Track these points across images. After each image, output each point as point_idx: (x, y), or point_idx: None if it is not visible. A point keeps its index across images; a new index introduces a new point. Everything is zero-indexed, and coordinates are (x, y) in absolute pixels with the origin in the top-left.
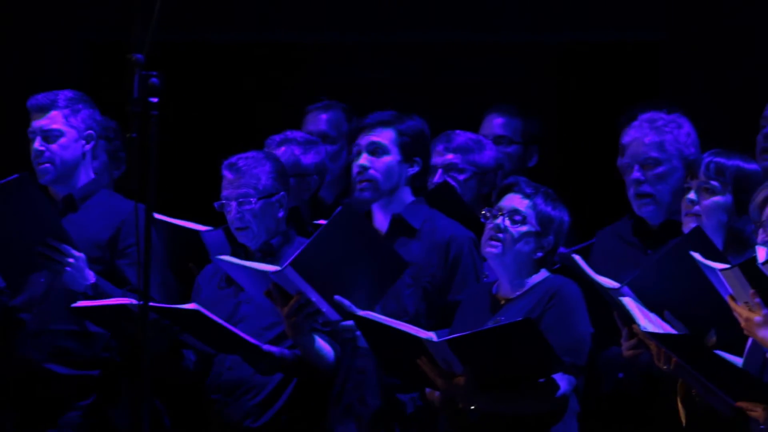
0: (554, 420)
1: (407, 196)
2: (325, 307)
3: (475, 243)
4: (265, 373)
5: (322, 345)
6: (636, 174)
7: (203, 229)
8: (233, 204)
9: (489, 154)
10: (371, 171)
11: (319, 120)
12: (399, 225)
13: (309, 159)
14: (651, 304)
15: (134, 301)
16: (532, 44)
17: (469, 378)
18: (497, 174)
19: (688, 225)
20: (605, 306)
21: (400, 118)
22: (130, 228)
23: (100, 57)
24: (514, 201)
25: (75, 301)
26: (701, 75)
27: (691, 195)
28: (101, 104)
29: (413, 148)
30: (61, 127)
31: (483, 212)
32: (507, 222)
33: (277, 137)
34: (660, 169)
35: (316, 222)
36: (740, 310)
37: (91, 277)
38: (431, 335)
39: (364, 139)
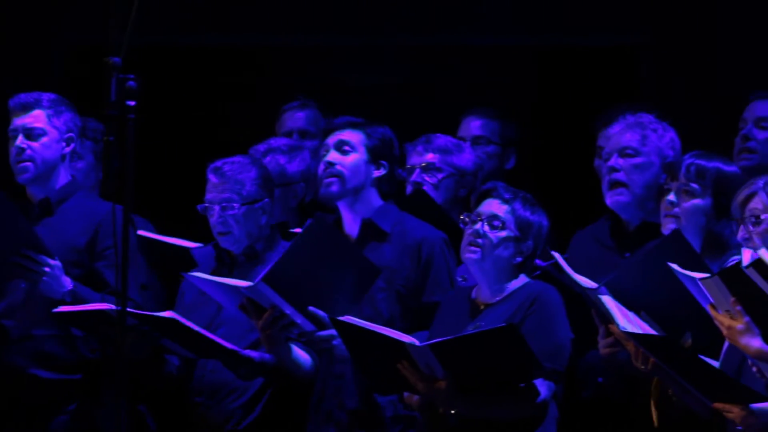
0: (534, 426)
1: (375, 199)
2: (299, 318)
3: (446, 243)
4: (246, 378)
5: (300, 354)
6: (612, 161)
7: (193, 246)
8: (216, 208)
9: (468, 158)
10: (338, 166)
11: (297, 118)
12: (369, 229)
13: (294, 167)
14: (628, 305)
15: (113, 306)
16: (511, 48)
17: (450, 383)
18: (475, 178)
19: (667, 227)
20: (584, 312)
21: (370, 124)
22: (108, 229)
23: (77, 60)
24: (493, 206)
25: (56, 306)
26: (681, 79)
27: (671, 197)
28: (78, 107)
29: (380, 152)
30: (45, 127)
31: (462, 217)
32: (486, 227)
33: (260, 147)
34: (637, 160)
35: (292, 231)
36: (722, 319)
37: (68, 283)
38: (413, 340)
39: (333, 138)
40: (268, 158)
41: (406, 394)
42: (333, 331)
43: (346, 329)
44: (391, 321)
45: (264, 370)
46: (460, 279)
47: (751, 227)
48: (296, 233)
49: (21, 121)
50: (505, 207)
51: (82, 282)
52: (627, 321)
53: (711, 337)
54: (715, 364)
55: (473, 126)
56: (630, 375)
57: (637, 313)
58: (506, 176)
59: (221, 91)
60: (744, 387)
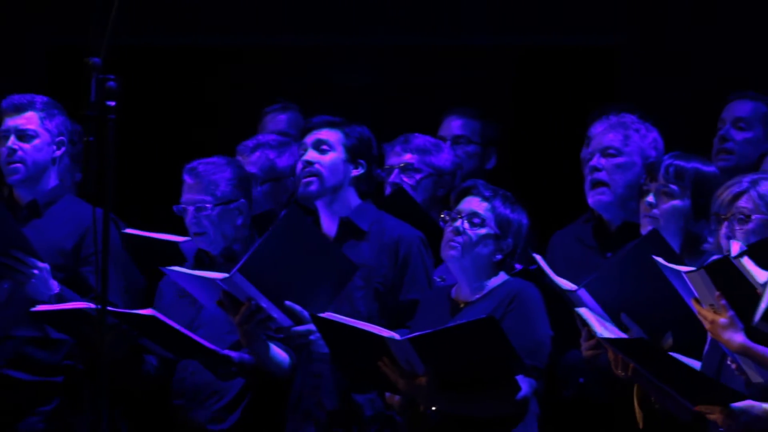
0: (515, 422)
1: (353, 198)
2: (276, 313)
3: (424, 242)
4: (225, 378)
5: (278, 352)
6: (594, 161)
7: (180, 240)
8: (191, 209)
9: (446, 157)
10: (316, 165)
11: (279, 120)
12: (347, 228)
13: (284, 161)
14: (608, 307)
15: (92, 305)
16: (491, 48)
17: (431, 378)
18: (454, 177)
19: (646, 228)
20: (564, 310)
21: (348, 123)
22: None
23: (57, 60)
24: (473, 204)
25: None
26: (659, 79)
27: (650, 198)
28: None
29: (359, 151)
30: (37, 129)
31: (442, 216)
32: (466, 225)
33: (249, 143)
34: (619, 160)
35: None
36: (705, 313)
37: (55, 287)
38: (394, 334)
39: (311, 137)
40: (257, 153)
41: (387, 394)
42: (310, 326)
43: (326, 326)
44: (369, 319)
45: (243, 370)
46: (438, 279)
47: (737, 225)
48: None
49: (13, 122)
50: (485, 205)
51: (65, 286)
52: (604, 329)
53: (692, 336)
54: (697, 365)
55: (454, 125)
56: (612, 377)
57: (617, 315)
58: (486, 176)
59: (202, 92)
60: (724, 386)
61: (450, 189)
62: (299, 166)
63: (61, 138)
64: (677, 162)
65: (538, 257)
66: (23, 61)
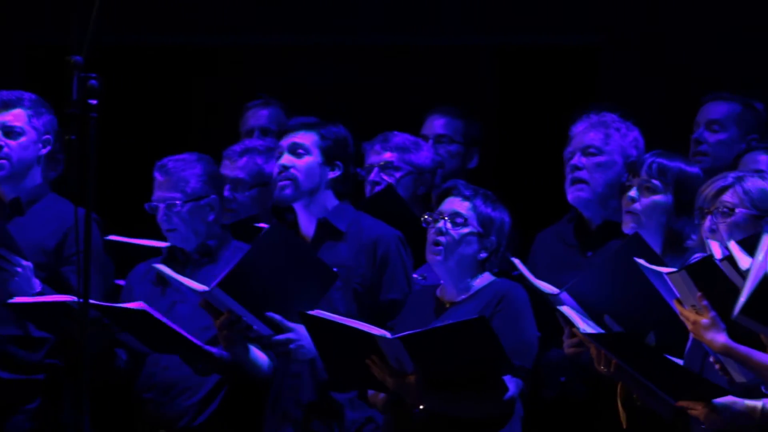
0: (501, 423)
1: (330, 200)
2: (256, 324)
3: (402, 241)
4: (203, 374)
5: (258, 355)
6: (575, 160)
7: (164, 246)
8: (161, 206)
9: (426, 155)
10: (292, 170)
11: (260, 116)
12: (325, 229)
13: (272, 167)
14: (591, 309)
15: (74, 298)
16: (473, 47)
17: (420, 377)
18: (434, 174)
19: (627, 223)
20: (545, 310)
21: (324, 124)
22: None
23: (38, 59)
24: (455, 204)
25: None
26: (639, 79)
27: (632, 193)
28: None
29: (335, 152)
30: (24, 126)
31: (424, 217)
32: (448, 225)
33: (236, 147)
34: (600, 159)
35: (257, 225)
36: (687, 314)
37: (37, 285)
38: (385, 332)
39: (286, 141)
40: (245, 158)
41: (370, 392)
42: (290, 335)
43: (315, 323)
44: None
45: (222, 366)
46: (419, 277)
47: (720, 219)
48: (261, 228)
49: (1, 118)
50: (467, 204)
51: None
52: (587, 324)
53: (675, 337)
54: (679, 362)
55: (436, 124)
56: (593, 375)
57: (600, 317)
58: (469, 175)
59: (184, 91)
60: (707, 382)
61: (430, 187)
62: (275, 170)
63: (48, 137)
64: (660, 159)
65: (517, 262)
66: (4, 60)
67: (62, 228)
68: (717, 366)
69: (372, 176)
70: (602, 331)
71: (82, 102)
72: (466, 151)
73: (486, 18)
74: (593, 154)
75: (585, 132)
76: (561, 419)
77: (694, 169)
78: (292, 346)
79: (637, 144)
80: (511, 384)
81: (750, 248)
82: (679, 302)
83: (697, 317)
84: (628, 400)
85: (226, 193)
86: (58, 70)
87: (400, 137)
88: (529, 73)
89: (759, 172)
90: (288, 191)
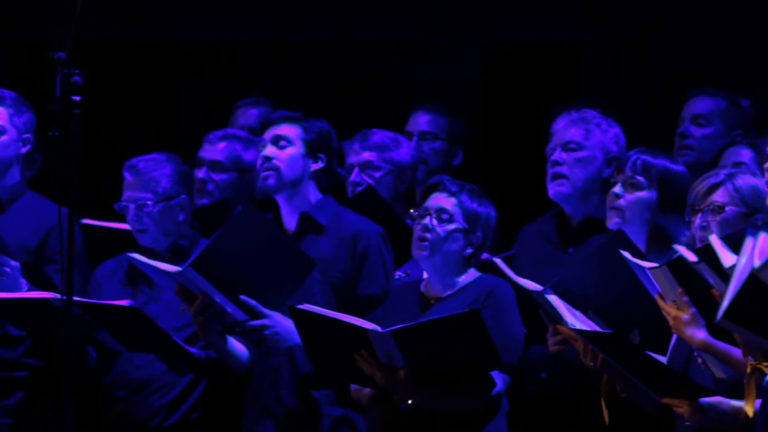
0: (488, 418)
1: (313, 193)
2: (230, 307)
3: (383, 237)
4: (181, 373)
5: (236, 346)
6: (556, 155)
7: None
8: (131, 207)
9: (405, 152)
10: (274, 161)
11: (249, 115)
12: (307, 223)
13: (250, 156)
14: (575, 306)
15: (57, 295)
16: (458, 44)
17: (410, 372)
18: (415, 170)
19: (612, 219)
20: (527, 306)
21: (307, 118)
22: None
23: (22, 55)
24: (440, 200)
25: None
26: (624, 76)
27: (617, 189)
28: None
29: (318, 145)
30: (5, 125)
31: (411, 212)
32: (434, 221)
33: (218, 132)
34: (580, 154)
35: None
36: (668, 309)
37: (24, 285)
38: (375, 326)
39: (270, 133)
40: (225, 144)
41: (354, 387)
42: (265, 321)
43: (303, 317)
44: None
45: (198, 366)
46: (403, 274)
47: (711, 216)
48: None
49: None
50: (453, 200)
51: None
52: (575, 318)
53: (658, 332)
54: (663, 359)
55: (421, 121)
56: (576, 371)
57: (585, 312)
58: (453, 172)
59: (168, 87)
60: (692, 382)
61: (412, 183)
62: (258, 161)
63: (28, 135)
64: (645, 156)
65: (498, 261)
66: None
67: (44, 227)
68: (700, 360)
69: (353, 177)
70: (590, 321)
71: (65, 98)
72: (450, 148)
73: (471, 15)
74: (573, 150)
75: (566, 128)
76: (544, 414)
77: (678, 167)
78: (266, 332)
79: (617, 140)
80: (499, 379)
81: (734, 245)
82: (662, 297)
83: (678, 313)
84: (611, 397)
85: (202, 174)
86: (41, 66)
87: (378, 135)
88: (514, 70)
89: (739, 165)
90: (271, 181)
